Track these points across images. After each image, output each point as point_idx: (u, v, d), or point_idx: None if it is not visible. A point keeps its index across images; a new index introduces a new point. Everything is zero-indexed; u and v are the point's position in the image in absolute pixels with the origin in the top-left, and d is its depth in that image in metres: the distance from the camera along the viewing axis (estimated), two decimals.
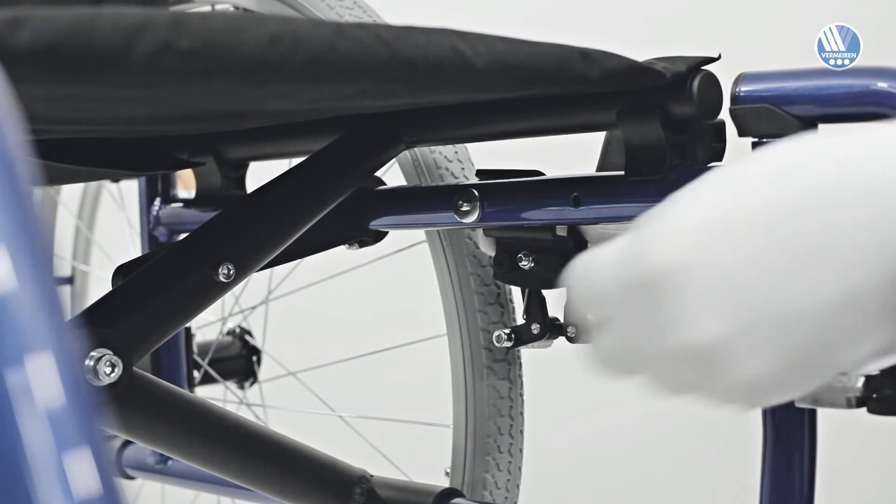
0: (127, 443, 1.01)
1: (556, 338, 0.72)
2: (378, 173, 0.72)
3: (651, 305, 0.41)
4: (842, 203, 0.39)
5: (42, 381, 0.24)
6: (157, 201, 1.02)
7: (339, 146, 0.65)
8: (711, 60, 0.56)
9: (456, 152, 0.81)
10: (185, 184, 1.02)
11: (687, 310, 0.40)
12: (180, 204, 1.02)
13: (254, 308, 1.20)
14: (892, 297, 0.40)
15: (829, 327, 0.40)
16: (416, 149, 0.79)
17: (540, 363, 0.91)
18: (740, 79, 0.56)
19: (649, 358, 0.43)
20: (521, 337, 0.73)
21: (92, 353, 0.51)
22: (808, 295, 0.40)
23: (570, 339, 0.70)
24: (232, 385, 1.17)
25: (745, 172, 0.41)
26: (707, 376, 0.42)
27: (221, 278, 0.57)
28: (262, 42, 0.41)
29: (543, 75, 0.49)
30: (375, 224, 0.74)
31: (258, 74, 0.42)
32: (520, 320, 0.75)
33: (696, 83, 0.55)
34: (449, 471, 0.84)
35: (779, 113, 0.55)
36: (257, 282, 1.03)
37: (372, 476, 0.75)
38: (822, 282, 0.39)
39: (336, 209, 0.64)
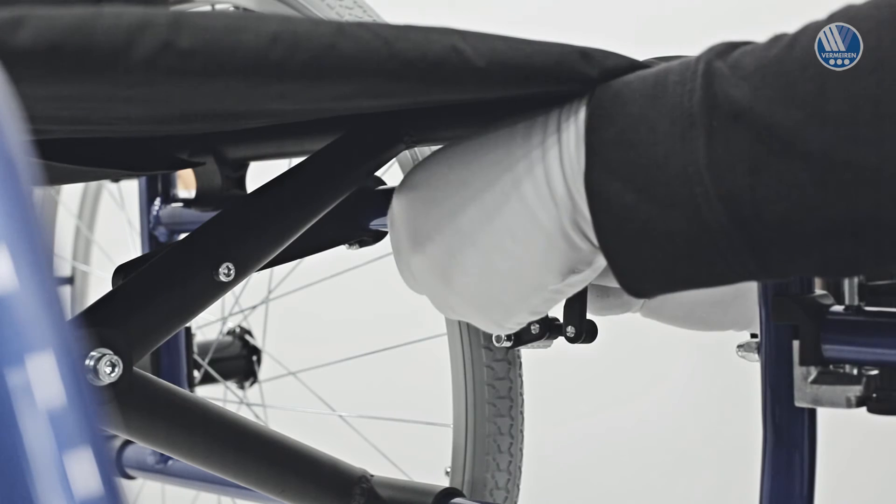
0: (127, 443, 1.01)
1: (556, 338, 0.72)
2: (378, 173, 0.72)
3: (400, 238, 0.58)
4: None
5: (43, 380, 0.24)
6: (157, 201, 1.02)
7: (339, 146, 0.65)
8: None
9: None
10: (185, 184, 1.02)
11: (415, 241, 0.56)
12: (180, 204, 1.02)
13: (254, 308, 1.20)
14: (568, 224, 0.50)
15: (516, 253, 0.52)
16: (416, 149, 0.79)
17: (540, 363, 0.91)
18: None
19: (410, 271, 0.58)
20: (521, 337, 0.73)
21: (92, 353, 0.51)
22: (489, 231, 0.52)
23: (570, 340, 0.70)
24: (232, 385, 1.17)
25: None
26: (440, 292, 0.56)
27: (222, 278, 0.57)
28: (263, 41, 0.41)
29: (544, 74, 0.49)
30: (375, 224, 0.74)
31: (258, 74, 0.42)
32: None
33: None
34: (449, 470, 0.84)
35: None
36: (257, 282, 1.03)
37: (372, 476, 0.75)
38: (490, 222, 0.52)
39: (336, 209, 0.64)
